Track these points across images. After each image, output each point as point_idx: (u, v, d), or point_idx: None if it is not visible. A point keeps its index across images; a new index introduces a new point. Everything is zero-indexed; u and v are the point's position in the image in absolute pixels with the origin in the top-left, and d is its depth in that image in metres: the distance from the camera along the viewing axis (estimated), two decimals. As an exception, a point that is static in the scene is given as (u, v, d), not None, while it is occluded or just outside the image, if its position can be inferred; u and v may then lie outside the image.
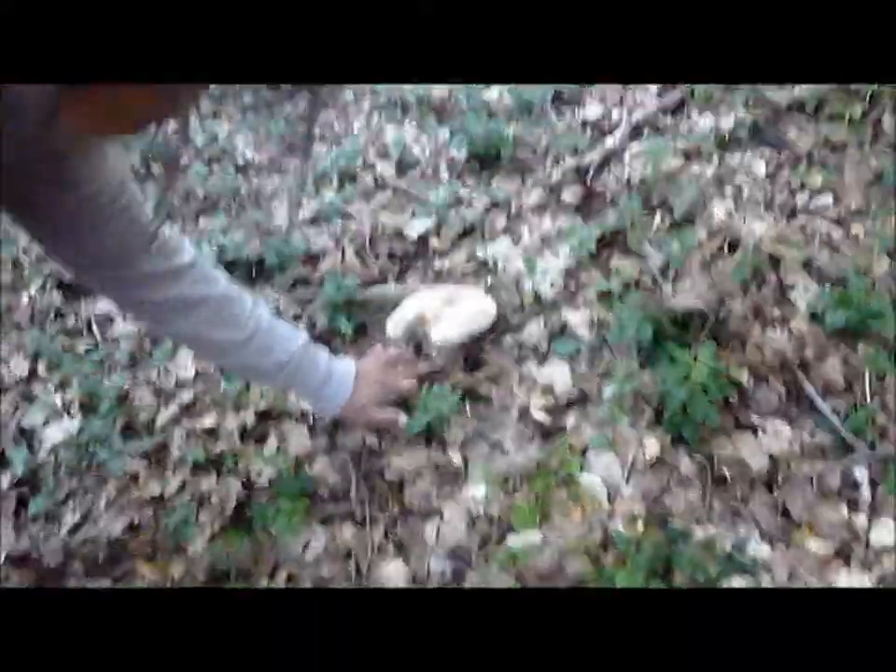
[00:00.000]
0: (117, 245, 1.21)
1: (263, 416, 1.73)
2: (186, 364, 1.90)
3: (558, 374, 1.61)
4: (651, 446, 1.43)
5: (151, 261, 1.27)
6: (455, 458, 1.52)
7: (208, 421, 1.74)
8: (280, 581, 1.41)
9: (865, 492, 1.33)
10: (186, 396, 1.82)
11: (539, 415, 1.54)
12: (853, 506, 1.33)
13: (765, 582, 1.23)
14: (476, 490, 1.45)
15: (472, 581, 1.32)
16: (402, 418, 1.56)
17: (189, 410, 1.79)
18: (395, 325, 1.70)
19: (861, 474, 1.35)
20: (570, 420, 1.53)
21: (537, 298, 1.78)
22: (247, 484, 1.59)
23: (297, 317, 1.90)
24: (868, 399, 1.43)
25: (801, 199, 1.87)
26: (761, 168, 1.99)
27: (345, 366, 1.55)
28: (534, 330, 1.72)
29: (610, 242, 1.86)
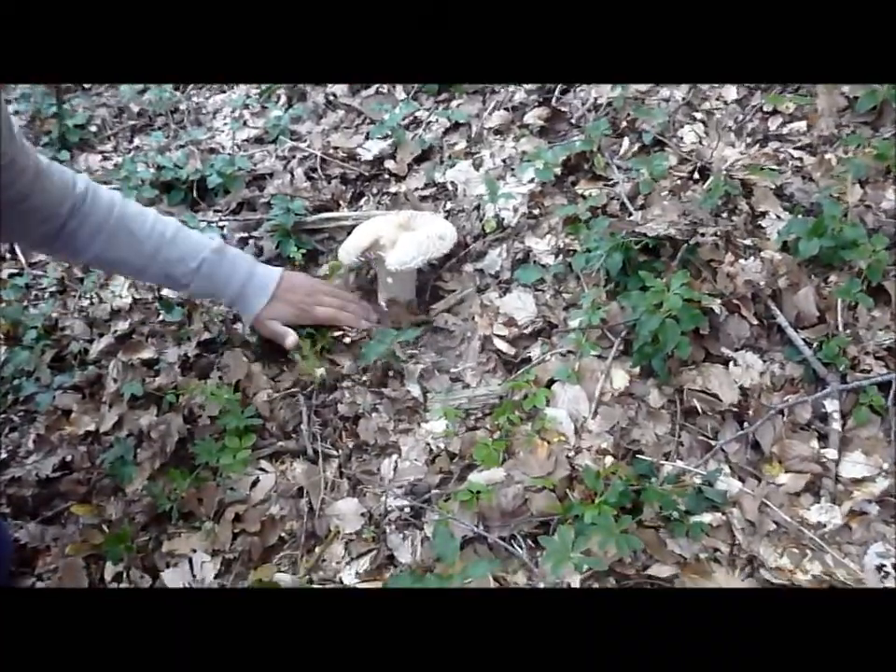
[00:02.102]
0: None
1: (206, 347, 1.62)
2: (121, 292, 1.76)
3: (521, 304, 1.53)
4: (619, 378, 1.37)
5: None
6: (414, 391, 1.44)
7: (146, 353, 1.62)
8: (226, 521, 1.32)
9: (836, 425, 1.29)
10: (121, 326, 1.69)
11: (502, 347, 1.46)
12: (823, 439, 1.29)
13: (734, 518, 1.19)
14: (435, 425, 1.38)
15: (432, 519, 1.25)
16: (291, 339, 1.52)
17: (124, 341, 1.66)
18: (347, 251, 1.58)
19: (831, 406, 1.31)
20: (535, 351, 1.45)
21: (499, 224, 1.68)
22: (189, 419, 1.48)
23: (243, 242, 1.77)
24: (840, 330, 1.38)
25: (773, 124, 1.80)
26: (731, 92, 1.90)
27: (269, 271, 1.54)
28: (496, 258, 1.63)
29: (576, 166, 1.76)
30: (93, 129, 2.33)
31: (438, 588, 1.03)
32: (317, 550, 1.27)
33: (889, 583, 1.11)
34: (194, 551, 1.30)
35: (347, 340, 1.54)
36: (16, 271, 1.87)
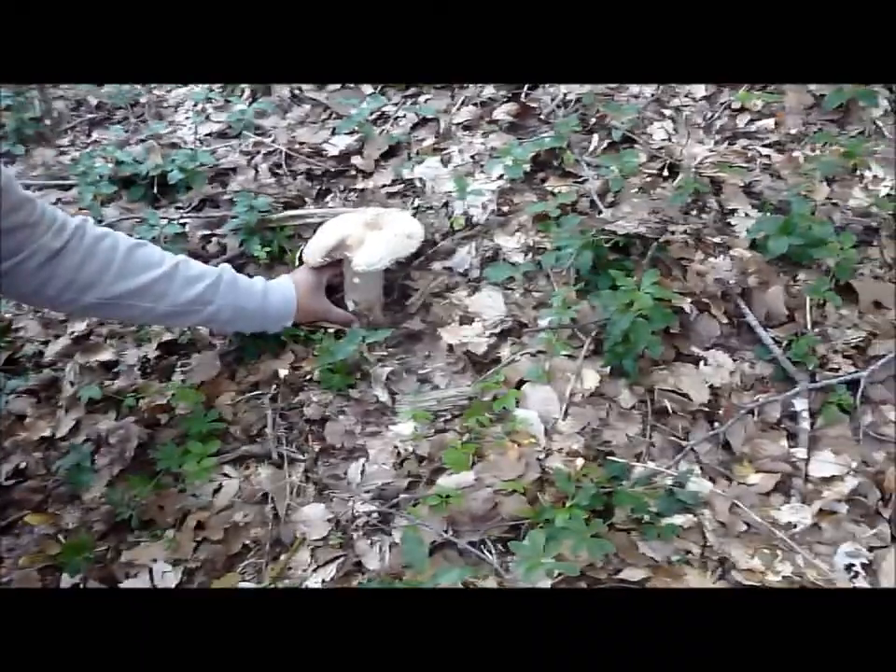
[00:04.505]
0: None
1: (168, 348, 1.57)
2: (78, 292, 1.70)
3: (491, 302, 1.51)
4: (590, 378, 1.35)
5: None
6: (381, 394, 1.41)
7: (105, 355, 1.57)
8: (188, 529, 1.28)
9: (805, 424, 1.29)
10: (79, 326, 1.63)
11: (471, 347, 1.44)
12: (793, 438, 1.29)
13: (706, 519, 1.19)
14: (404, 427, 1.35)
15: (400, 524, 1.23)
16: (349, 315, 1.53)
17: (82, 342, 1.61)
18: (312, 252, 1.53)
19: (801, 405, 1.31)
20: (504, 351, 1.43)
21: (468, 221, 1.65)
22: (150, 424, 1.43)
23: (206, 240, 1.72)
24: (809, 328, 1.38)
25: (741, 122, 1.80)
26: (700, 89, 1.90)
27: (279, 280, 1.50)
28: (465, 256, 1.60)
29: (546, 162, 1.74)
30: (49, 122, 2.25)
31: (407, 588, 1.01)
32: (283, 557, 1.23)
33: (859, 583, 1.11)
34: (155, 560, 1.25)
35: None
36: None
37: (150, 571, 1.24)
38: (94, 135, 2.19)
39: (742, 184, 1.62)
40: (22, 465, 1.41)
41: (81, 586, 1.24)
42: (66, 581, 1.25)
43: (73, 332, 1.62)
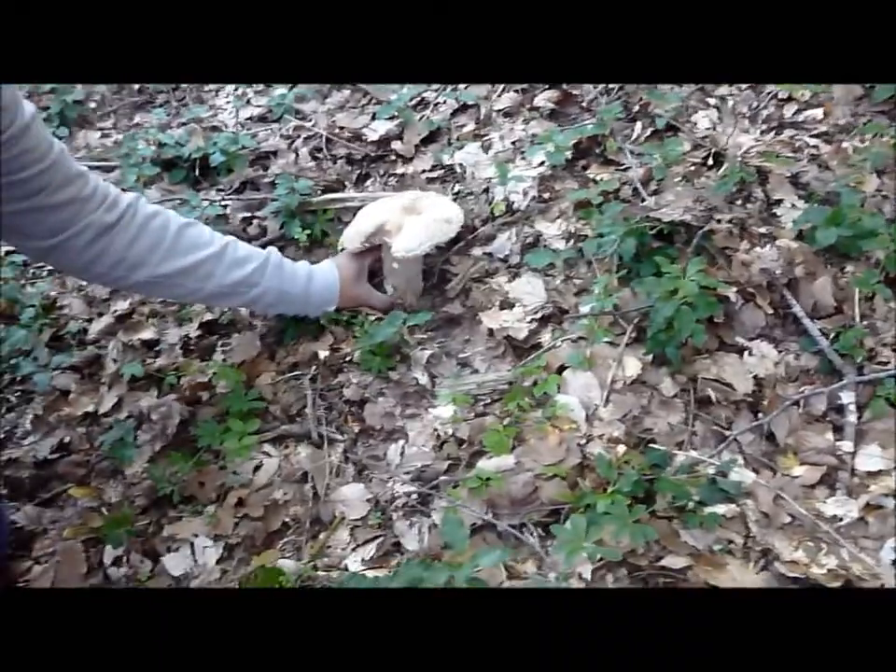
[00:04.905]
0: None
1: (209, 328, 1.58)
2: (121, 271, 1.72)
3: (531, 289, 1.50)
4: (631, 366, 1.34)
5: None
6: (421, 377, 1.41)
7: (147, 333, 1.59)
8: (229, 506, 1.29)
9: (851, 417, 1.27)
10: (121, 305, 1.65)
11: (511, 332, 1.43)
12: (839, 431, 1.27)
13: (749, 509, 1.17)
14: (443, 410, 1.35)
15: (440, 506, 1.23)
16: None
17: (124, 320, 1.63)
18: (351, 238, 1.53)
19: (847, 398, 1.29)
20: (545, 337, 1.42)
21: (508, 207, 1.64)
22: (191, 402, 1.45)
23: (246, 222, 1.73)
24: (857, 321, 1.36)
25: (788, 111, 1.77)
26: (745, 79, 1.87)
27: (323, 265, 1.49)
28: (505, 242, 1.60)
29: (588, 149, 1.72)
30: (92, 105, 2.28)
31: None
32: (322, 536, 1.24)
33: (906, 578, 1.09)
34: (196, 535, 1.27)
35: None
36: (13, 248, 1.82)
37: (191, 546, 1.26)
38: (136, 118, 2.22)
39: (788, 174, 1.59)
40: (66, 439, 1.43)
41: (124, 558, 1.25)
42: (109, 553, 1.27)
43: (115, 311, 1.65)
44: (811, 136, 1.70)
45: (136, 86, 2.34)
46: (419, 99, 1.99)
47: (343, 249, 1.54)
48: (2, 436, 1.46)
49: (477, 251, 1.61)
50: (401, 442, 1.33)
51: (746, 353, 1.34)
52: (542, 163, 1.70)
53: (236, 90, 2.22)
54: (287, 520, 1.27)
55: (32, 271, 1.77)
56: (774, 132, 1.73)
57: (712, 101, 1.82)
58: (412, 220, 1.51)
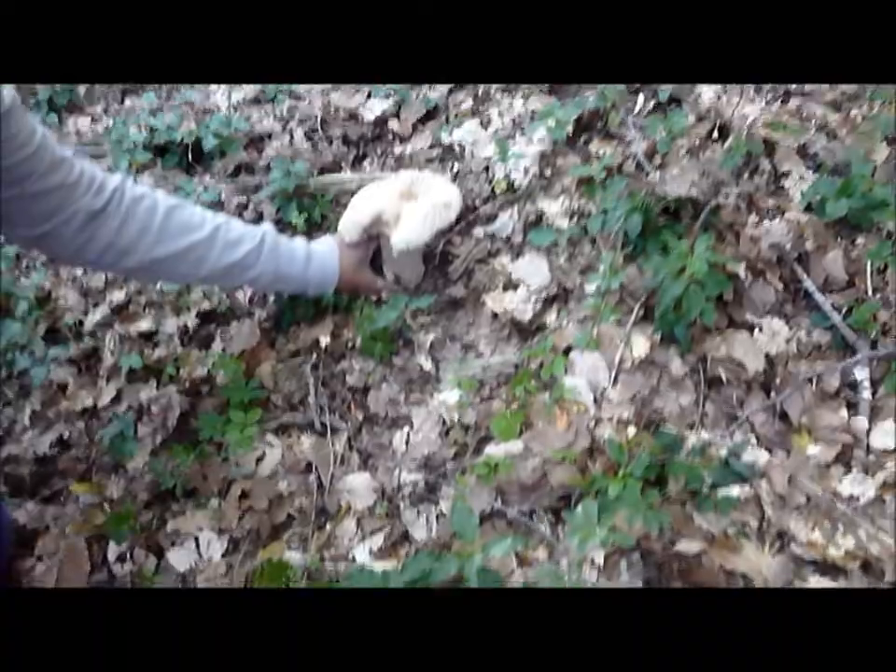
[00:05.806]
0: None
1: (207, 317, 1.55)
2: (115, 260, 1.68)
3: (534, 268, 1.47)
4: (639, 345, 1.31)
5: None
6: (424, 362, 1.38)
7: (144, 324, 1.56)
8: (233, 498, 1.27)
9: (866, 393, 1.24)
10: (117, 295, 1.61)
11: (516, 314, 1.40)
12: (853, 408, 1.24)
13: (763, 491, 1.15)
14: (449, 396, 1.32)
15: (448, 494, 1.20)
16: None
17: (121, 311, 1.59)
18: (348, 229, 1.48)
19: (861, 374, 1.26)
20: (550, 318, 1.39)
21: (509, 185, 1.60)
22: (191, 393, 1.42)
23: (242, 207, 1.70)
24: (870, 295, 1.32)
25: (794, 80, 1.72)
26: (749, 46, 1.82)
27: (322, 240, 1.45)
28: (507, 221, 1.56)
29: (589, 124, 1.68)
30: (82, 90, 2.23)
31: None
32: (328, 527, 1.22)
33: (925, 557, 1.07)
34: (200, 529, 1.25)
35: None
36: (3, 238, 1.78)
37: (196, 540, 1.24)
38: (127, 103, 2.16)
39: (796, 145, 1.55)
40: (66, 434, 1.41)
41: (128, 554, 1.23)
42: (113, 549, 1.25)
43: (111, 302, 1.61)
44: (819, 105, 1.66)
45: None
46: (415, 76, 1.94)
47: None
48: (0, 433, 1.44)
49: (479, 231, 1.57)
50: (406, 429, 1.31)
51: (756, 330, 1.31)
52: (542, 139, 1.66)
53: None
54: (292, 511, 1.26)
55: (25, 262, 1.74)
56: (780, 101, 1.68)
57: (716, 70, 1.77)
58: (409, 208, 1.45)
